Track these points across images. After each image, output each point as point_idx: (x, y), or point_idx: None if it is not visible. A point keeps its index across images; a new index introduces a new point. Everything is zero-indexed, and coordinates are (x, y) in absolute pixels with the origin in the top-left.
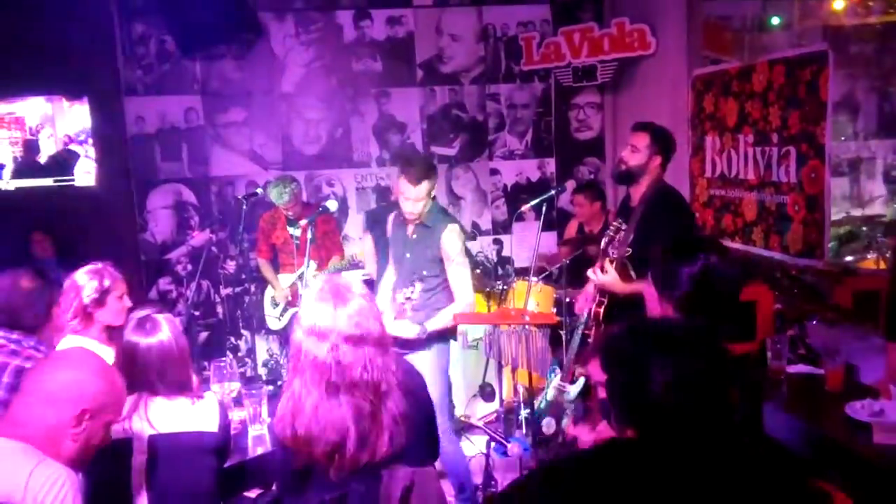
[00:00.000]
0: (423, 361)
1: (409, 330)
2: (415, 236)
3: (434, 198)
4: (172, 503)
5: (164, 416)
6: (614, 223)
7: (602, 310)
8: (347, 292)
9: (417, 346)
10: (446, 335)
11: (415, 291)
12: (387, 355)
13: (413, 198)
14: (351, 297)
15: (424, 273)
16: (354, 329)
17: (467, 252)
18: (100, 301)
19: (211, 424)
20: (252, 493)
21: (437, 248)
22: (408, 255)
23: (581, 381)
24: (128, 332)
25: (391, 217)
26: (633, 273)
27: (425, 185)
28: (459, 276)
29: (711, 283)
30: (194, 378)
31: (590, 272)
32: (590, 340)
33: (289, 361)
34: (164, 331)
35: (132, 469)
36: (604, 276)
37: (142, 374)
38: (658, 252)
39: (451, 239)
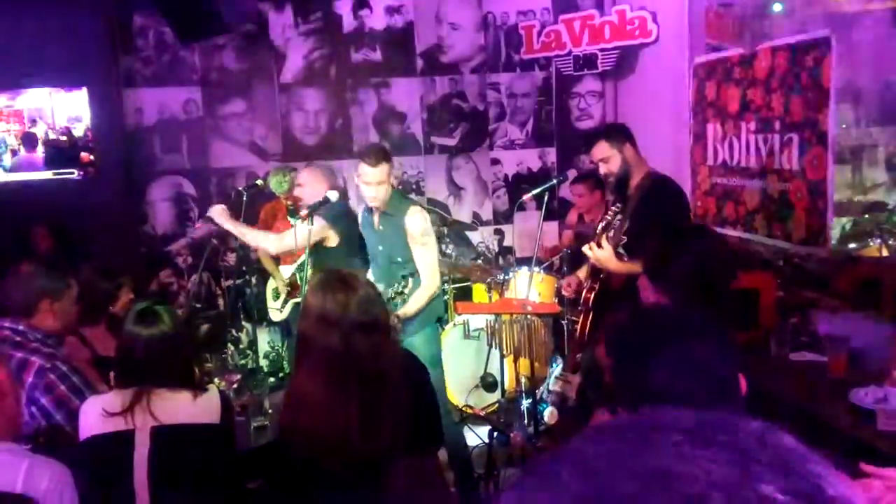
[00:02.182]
0: (414, 351)
1: None
2: (381, 227)
3: (394, 186)
4: (174, 495)
5: (167, 408)
6: (613, 208)
7: (592, 295)
8: (354, 280)
9: (406, 333)
10: (432, 320)
11: (407, 286)
12: (393, 343)
13: (374, 181)
14: (358, 284)
15: (399, 259)
16: (365, 316)
17: (442, 238)
18: (115, 297)
19: (213, 416)
20: (253, 485)
21: (403, 233)
22: (380, 248)
23: (557, 369)
24: (129, 324)
25: (360, 216)
26: (626, 260)
27: (384, 166)
28: (424, 257)
29: (703, 273)
30: (196, 370)
31: (585, 248)
32: (577, 327)
33: (294, 352)
34: (166, 322)
35: (134, 461)
36: (599, 251)
37: (144, 365)
38: (651, 242)
39: (413, 220)
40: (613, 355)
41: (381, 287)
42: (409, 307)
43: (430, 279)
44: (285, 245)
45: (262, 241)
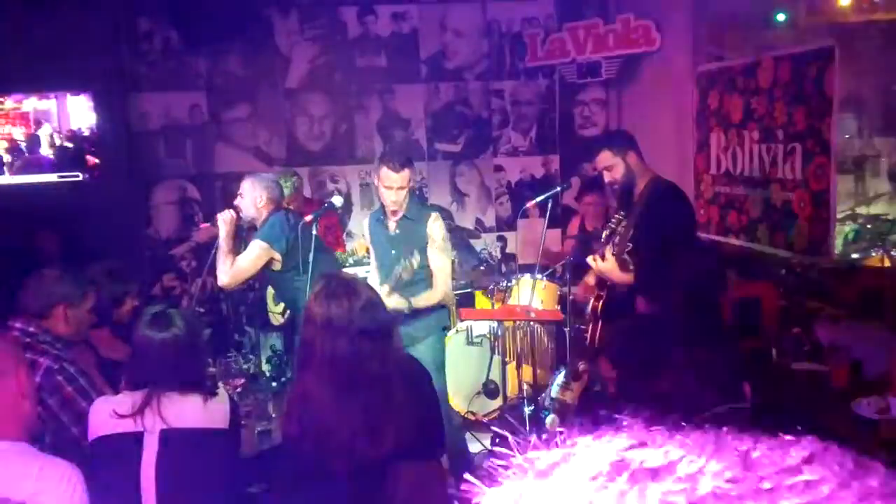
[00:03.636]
0: (420, 357)
1: (397, 302)
2: (398, 231)
3: (412, 191)
4: (180, 499)
5: (177, 412)
6: (616, 216)
7: (600, 304)
8: (357, 286)
9: (413, 340)
10: (438, 328)
11: (416, 259)
12: (397, 348)
13: (396, 185)
14: (361, 290)
15: (418, 260)
16: (370, 322)
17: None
18: (119, 302)
19: (222, 421)
20: (256, 489)
21: (423, 238)
22: (393, 252)
23: (560, 377)
24: (142, 326)
25: (366, 221)
26: (632, 267)
27: (407, 172)
28: (441, 260)
29: (698, 285)
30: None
31: (589, 259)
32: (587, 335)
33: (296, 358)
34: (179, 326)
35: (142, 463)
36: (603, 263)
37: (155, 368)
38: (644, 257)
39: (436, 227)
40: (621, 362)
41: (388, 284)
42: (422, 299)
43: (442, 283)
44: (239, 275)
45: (220, 268)
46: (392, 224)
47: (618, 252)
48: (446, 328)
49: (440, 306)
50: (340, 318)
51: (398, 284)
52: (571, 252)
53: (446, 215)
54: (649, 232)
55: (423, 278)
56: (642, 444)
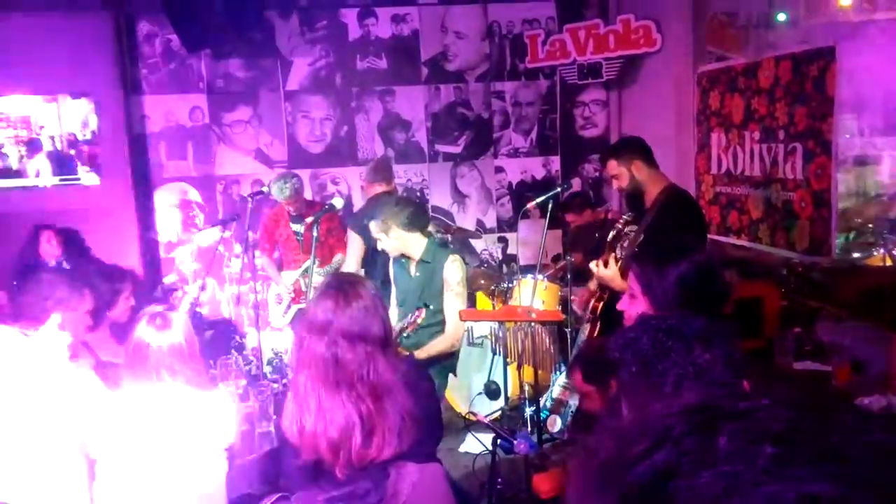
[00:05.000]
0: None
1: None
2: (417, 274)
3: (430, 234)
4: (179, 501)
5: (175, 414)
6: (624, 216)
7: (601, 305)
8: (352, 289)
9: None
10: (444, 373)
11: (421, 316)
12: (389, 354)
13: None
14: (355, 294)
15: (431, 308)
16: (353, 326)
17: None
18: (112, 302)
19: (222, 423)
20: (256, 491)
21: (440, 281)
22: (412, 294)
23: (561, 377)
24: (140, 328)
25: (391, 258)
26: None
27: (378, 225)
28: (454, 306)
29: (701, 282)
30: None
31: (592, 264)
32: (583, 336)
33: (293, 357)
34: (176, 328)
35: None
36: (605, 270)
37: (153, 370)
38: (642, 255)
39: (452, 269)
40: (622, 362)
41: (397, 324)
42: (426, 350)
43: (454, 328)
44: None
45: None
46: (413, 267)
47: (625, 255)
48: (451, 371)
49: (446, 354)
50: (321, 318)
51: (399, 338)
52: (581, 263)
53: (447, 216)
54: (658, 239)
55: (437, 322)
56: (740, 395)
